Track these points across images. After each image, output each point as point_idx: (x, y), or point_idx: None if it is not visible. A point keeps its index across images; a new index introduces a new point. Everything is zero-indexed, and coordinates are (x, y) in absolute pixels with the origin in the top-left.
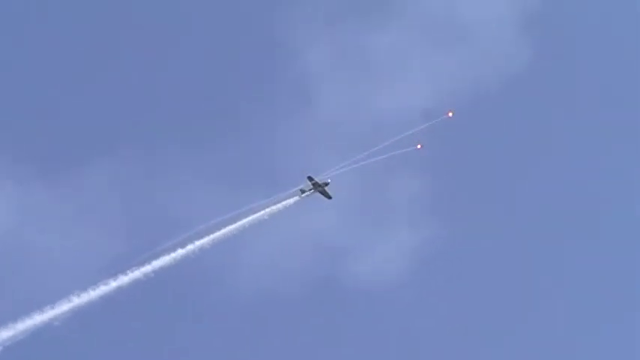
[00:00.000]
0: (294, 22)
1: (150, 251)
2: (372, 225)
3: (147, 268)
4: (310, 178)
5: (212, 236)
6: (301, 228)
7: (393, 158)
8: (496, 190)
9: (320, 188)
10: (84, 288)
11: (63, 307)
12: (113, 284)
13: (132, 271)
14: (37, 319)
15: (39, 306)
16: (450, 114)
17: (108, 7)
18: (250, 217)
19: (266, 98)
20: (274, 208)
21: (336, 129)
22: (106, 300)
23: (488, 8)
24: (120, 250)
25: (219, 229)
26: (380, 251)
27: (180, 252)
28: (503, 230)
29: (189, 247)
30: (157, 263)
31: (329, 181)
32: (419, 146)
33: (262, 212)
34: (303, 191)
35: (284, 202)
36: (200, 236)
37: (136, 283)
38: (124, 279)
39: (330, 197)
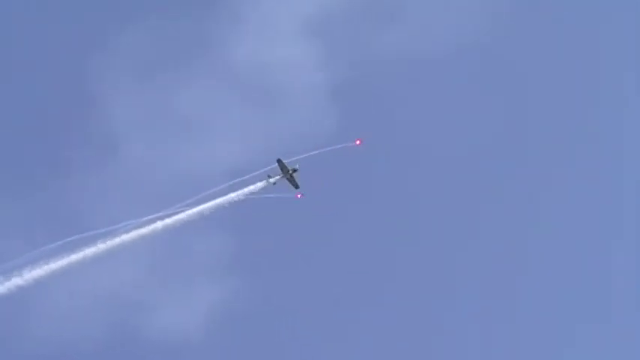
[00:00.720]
0: (104, 76)
1: None
2: (173, 280)
3: None
4: (279, 161)
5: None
6: (102, 280)
7: (195, 215)
8: (297, 250)
9: (287, 174)
10: None
11: None
12: None
13: None
14: None
15: None
16: (358, 142)
17: None
18: (215, 202)
19: (72, 150)
20: (242, 192)
21: (142, 183)
22: None
23: (299, 73)
24: None
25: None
26: (180, 307)
27: None
28: (304, 289)
29: None
30: None
31: (297, 167)
32: (299, 195)
33: (230, 196)
34: (270, 177)
35: (252, 187)
36: None
37: None
38: None
39: (297, 187)
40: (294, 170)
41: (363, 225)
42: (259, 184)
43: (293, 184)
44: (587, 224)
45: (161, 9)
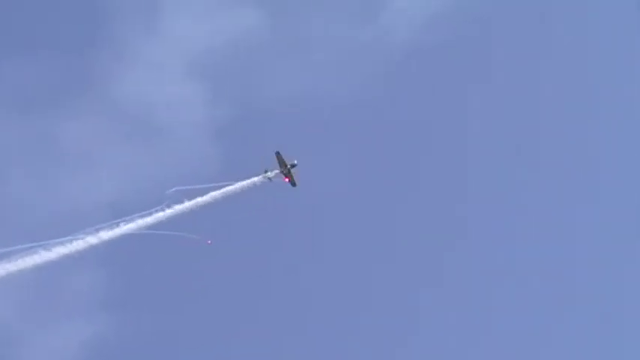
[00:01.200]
0: None
1: None
2: (44, 315)
3: None
4: (278, 154)
5: None
6: None
7: (70, 251)
8: (173, 287)
9: (285, 169)
10: None
11: None
12: None
13: None
14: None
15: None
16: (287, 179)
17: None
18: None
19: None
20: (238, 186)
21: (19, 216)
22: None
23: (184, 111)
24: None
25: None
26: (51, 343)
27: None
28: (178, 327)
29: None
30: None
31: (296, 162)
32: (209, 242)
33: (225, 190)
34: (267, 171)
35: (248, 181)
36: None
37: None
38: None
39: (294, 184)
40: (293, 165)
41: (239, 261)
42: (255, 179)
43: (290, 181)
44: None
45: (48, 43)
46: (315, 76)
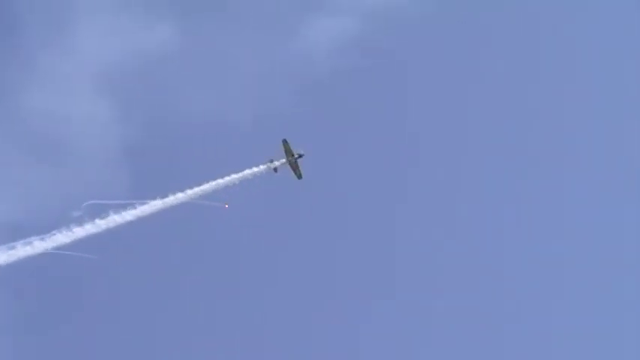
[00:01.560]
0: None
1: None
2: None
3: None
4: (285, 142)
5: None
6: None
7: None
8: (78, 311)
9: (292, 158)
10: None
11: None
12: None
13: None
14: None
15: None
16: (226, 205)
17: None
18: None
19: None
20: (242, 174)
21: None
22: None
23: (91, 129)
24: None
25: None
26: None
27: None
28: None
29: None
30: None
31: (303, 152)
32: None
33: (230, 178)
34: (272, 160)
35: (253, 170)
36: None
37: None
38: None
39: (300, 176)
40: (300, 155)
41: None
42: (261, 167)
43: (296, 173)
44: None
45: None
46: (227, 94)
